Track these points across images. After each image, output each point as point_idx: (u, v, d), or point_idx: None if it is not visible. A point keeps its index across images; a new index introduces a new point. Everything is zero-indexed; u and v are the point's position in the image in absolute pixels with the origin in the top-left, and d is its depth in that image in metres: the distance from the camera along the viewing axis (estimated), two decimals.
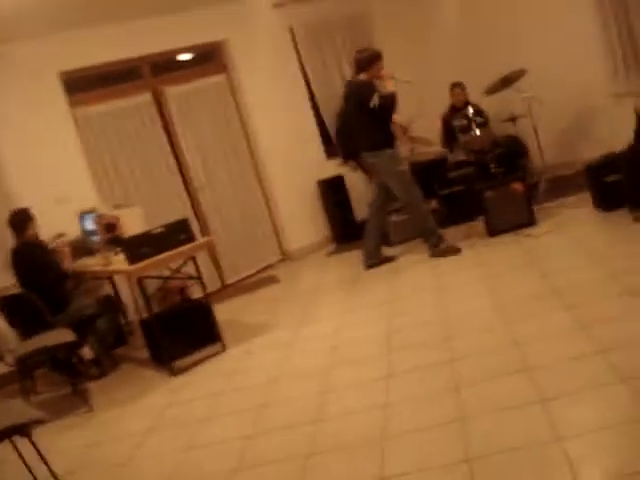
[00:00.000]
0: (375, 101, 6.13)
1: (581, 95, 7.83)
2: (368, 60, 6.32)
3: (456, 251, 6.39)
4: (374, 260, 6.72)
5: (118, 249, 5.65)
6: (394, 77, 6.29)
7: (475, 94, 7.93)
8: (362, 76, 6.37)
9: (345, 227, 8.22)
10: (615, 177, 6.07)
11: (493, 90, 7.39)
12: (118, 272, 5.67)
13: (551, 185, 7.49)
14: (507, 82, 7.27)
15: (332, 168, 8.36)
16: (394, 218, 7.35)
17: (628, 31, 7.30)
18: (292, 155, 8.09)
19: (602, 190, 6.22)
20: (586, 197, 6.61)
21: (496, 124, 7.67)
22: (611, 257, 5.04)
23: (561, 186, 7.51)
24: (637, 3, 7.10)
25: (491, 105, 7.74)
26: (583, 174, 6.62)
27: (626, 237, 5.43)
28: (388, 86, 6.21)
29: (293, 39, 8.30)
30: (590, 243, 5.58)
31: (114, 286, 6.57)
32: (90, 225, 6.19)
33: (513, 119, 7.52)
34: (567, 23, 7.74)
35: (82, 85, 6.92)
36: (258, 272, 7.91)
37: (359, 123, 6.50)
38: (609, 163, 6.20)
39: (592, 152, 6.97)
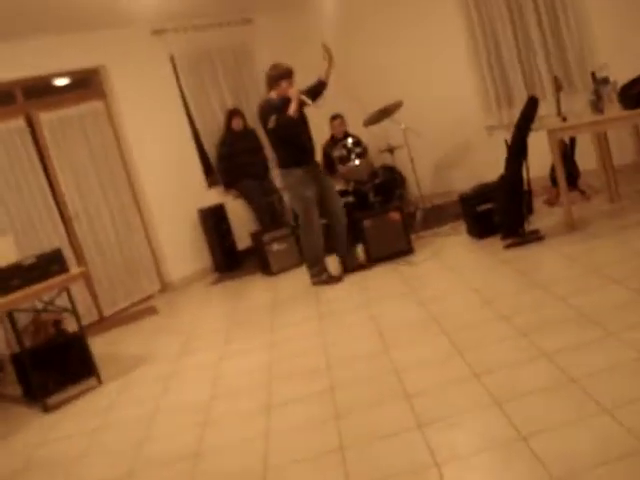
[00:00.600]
0: (272, 123, 6.14)
1: (456, 127, 8.15)
2: (275, 77, 6.27)
3: (337, 280, 6.45)
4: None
5: None
6: (301, 96, 6.22)
7: (354, 125, 8.10)
8: (272, 94, 6.33)
9: (226, 256, 8.16)
10: (487, 206, 6.33)
11: (372, 121, 7.57)
12: None
13: (427, 214, 7.71)
14: (385, 113, 7.47)
15: (213, 196, 8.32)
16: (275, 247, 7.35)
17: (499, 68, 7.69)
18: (172, 183, 7.98)
19: (475, 219, 6.46)
20: (461, 225, 6.85)
21: (375, 154, 7.86)
22: (484, 284, 5.22)
23: (437, 215, 7.76)
24: (507, 42, 7.48)
25: (370, 136, 7.92)
26: (457, 203, 6.86)
27: (497, 264, 5.63)
28: (292, 107, 6.14)
29: (173, 67, 8.23)
30: (464, 270, 5.77)
31: None
32: None
33: (391, 150, 7.74)
34: (444, 59, 8.10)
35: None
36: (137, 303, 7.72)
37: (268, 142, 6.69)
38: (481, 193, 6.46)
39: (466, 182, 7.25)
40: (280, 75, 6.26)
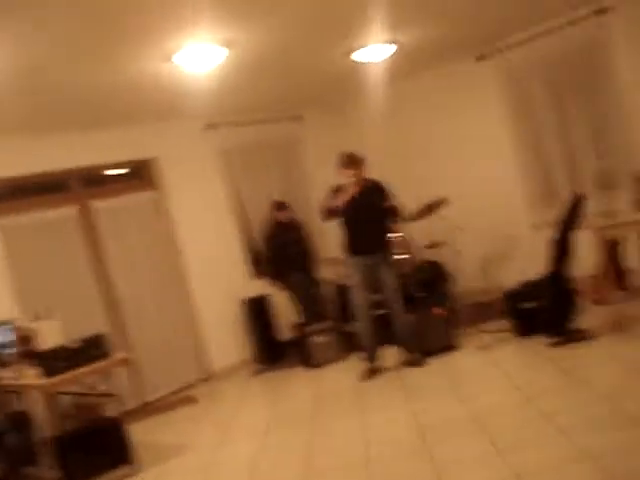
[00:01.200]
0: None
1: (501, 224, 8.16)
2: (339, 163, 6.49)
3: (368, 375, 6.43)
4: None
5: (33, 362, 5.46)
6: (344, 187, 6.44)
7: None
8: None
9: (268, 347, 8.15)
10: (531, 304, 6.26)
11: (417, 217, 7.63)
12: (32, 386, 5.45)
13: (470, 310, 7.65)
14: (430, 209, 7.53)
15: (257, 287, 8.39)
16: (317, 339, 7.34)
17: (544, 164, 7.75)
18: (217, 273, 8.09)
19: (519, 316, 6.39)
20: (504, 323, 6.78)
21: (419, 249, 7.88)
22: (527, 381, 5.13)
23: (481, 311, 7.69)
24: (552, 142, 7.56)
25: (415, 231, 7.97)
26: (501, 300, 6.81)
27: (541, 362, 5.54)
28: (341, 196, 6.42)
29: (224, 160, 8.47)
30: (508, 368, 5.67)
31: (24, 401, 6.29)
32: (3, 337, 5.99)
33: (435, 245, 7.76)
34: (488, 156, 8.22)
35: (8, 194, 6.87)
36: (178, 391, 7.72)
37: None
38: (526, 291, 6.41)
39: (510, 279, 7.21)
40: (340, 162, 6.50)
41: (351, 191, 6.35)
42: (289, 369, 7.62)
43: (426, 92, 8.66)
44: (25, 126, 6.49)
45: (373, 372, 6.42)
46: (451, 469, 3.94)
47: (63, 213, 7.08)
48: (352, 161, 6.44)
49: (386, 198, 6.50)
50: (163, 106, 7.14)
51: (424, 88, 8.65)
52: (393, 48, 6.70)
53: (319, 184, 9.23)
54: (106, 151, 7.39)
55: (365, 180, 6.50)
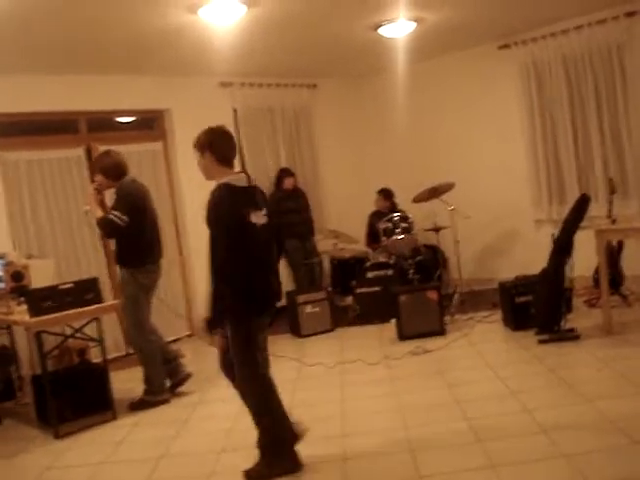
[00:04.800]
0: None
1: (504, 216, 8.14)
2: None
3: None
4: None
5: (21, 299, 5.46)
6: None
7: (403, 200, 8.14)
8: None
9: None
10: (526, 298, 6.25)
11: (421, 199, 7.60)
12: (17, 323, 5.44)
13: (464, 298, 7.65)
14: (435, 193, 7.50)
15: None
16: (308, 309, 7.32)
17: (555, 163, 7.69)
18: None
19: (512, 309, 6.37)
20: (496, 314, 6.78)
21: (420, 232, 7.86)
22: (512, 374, 5.13)
23: (475, 300, 7.69)
24: (566, 139, 7.49)
25: (417, 213, 7.94)
26: (497, 291, 6.80)
27: (528, 357, 5.54)
28: None
29: (235, 119, 8.41)
30: (494, 358, 5.67)
31: (11, 337, 6.30)
32: None
33: (436, 229, 7.73)
34: (501, 146, 8.14)
35: (16, 130, 6.82)
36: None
37: None
38: (522, 285, 6.39)
39: (507, 271, 7.22)
40: None
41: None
42: (277, 335, 7.60)
43: (444, 75, 8.60)
44: (37, 65, 6.43)
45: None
46: (427, 451, 3.94)
47: (69, 154, 7.04)
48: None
49: None
50: (181, 60, 7.08)
51: (443, 71, 8.59)
52: (414, 26, 6.63)
53: (326, 154, 9.23)
54: (119, 98, 7.34)
55: None
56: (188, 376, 5.92)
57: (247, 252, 3.78)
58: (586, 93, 7.38)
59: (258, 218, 3.83)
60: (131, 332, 5.61)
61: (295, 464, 3.90)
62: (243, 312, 3.80)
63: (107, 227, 5.30)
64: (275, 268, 4.12)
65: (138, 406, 5.56)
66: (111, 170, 5.42)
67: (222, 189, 3.75)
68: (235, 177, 3.86)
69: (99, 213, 5.37)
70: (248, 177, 3.93)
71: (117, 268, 5.76)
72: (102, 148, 7.19)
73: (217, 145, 3.90)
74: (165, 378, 5.72)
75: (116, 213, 5.24)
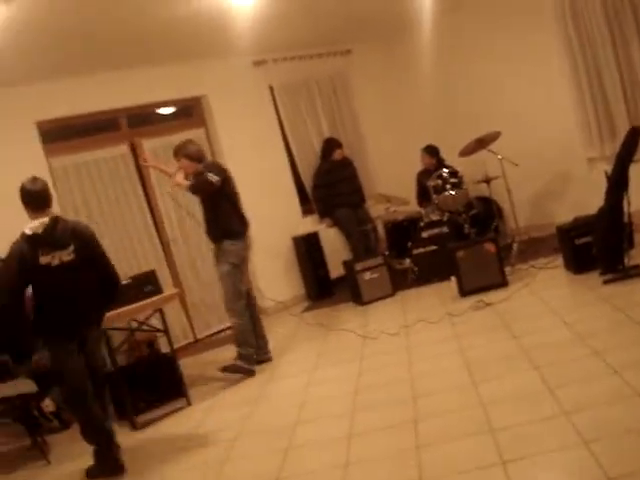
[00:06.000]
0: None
1: (555, 159, 7.95)
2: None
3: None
4: None
5: None
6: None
7: (450, 155, 8.02)
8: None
9: (319, 284, 8.19)
10: (586, 239, 6.11)
11: (468, 152, 7.48)
12: None
13: (524, 246, 7.53)
14: (482, 144, 7.36)
15: (307, 225, 8.39)
16: (367, 276, 7.31)
17: (602, 98, 7.46)
18: (268, 211, 8.05)
19: (573, 252, 6.24)
20: (558, 259, 6.66)
21: (470, 185, 7.74)
22: (579, 319, 5.03)
23: (533, 248, 7.57)
24: (611, 73, 7.26)
25: (466, 166, 7.81)
26: (555, 236, 6.67)
27: (594, 299, 5.42)
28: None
29: (272, 96, 8.40)
30: (560, 305, 5.58)
31: None
32: None
33: (487, 181, 7.61)
34: (545, 90, 7.93)
35: (59, 135, 6.93)
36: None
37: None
38: (580, 226, 6.24)
39: (564, 215, 7.06)
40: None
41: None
42: (339, 305, 7.64)
43: (480, 22, 8.37)
44: (73, 68, 6.51)
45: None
46: (499, 404, 3.91)
47: (114, 152, 7.13)
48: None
49: None
50: (213, 42, 7.10)
51: (478, 18, 8.37)
52: None
53: (367, 119, 9.16)
54: (155, 90, 7.38)
55: None
56: (269, 359, 6.19)
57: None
58: (628, 25, 7.09)
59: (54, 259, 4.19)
60: (231, 301, 5.97)
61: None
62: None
63: (204, 185, 5.75)
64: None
65: (231, 369, 5.85)
66: (195, 154, 5.96)
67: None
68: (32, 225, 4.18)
69: (188, 183, 5.88)
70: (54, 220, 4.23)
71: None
72: (145, 142, 7.31)
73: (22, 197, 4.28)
74: (255, 350, 6.02)
75: (209, 174, 5.72)
